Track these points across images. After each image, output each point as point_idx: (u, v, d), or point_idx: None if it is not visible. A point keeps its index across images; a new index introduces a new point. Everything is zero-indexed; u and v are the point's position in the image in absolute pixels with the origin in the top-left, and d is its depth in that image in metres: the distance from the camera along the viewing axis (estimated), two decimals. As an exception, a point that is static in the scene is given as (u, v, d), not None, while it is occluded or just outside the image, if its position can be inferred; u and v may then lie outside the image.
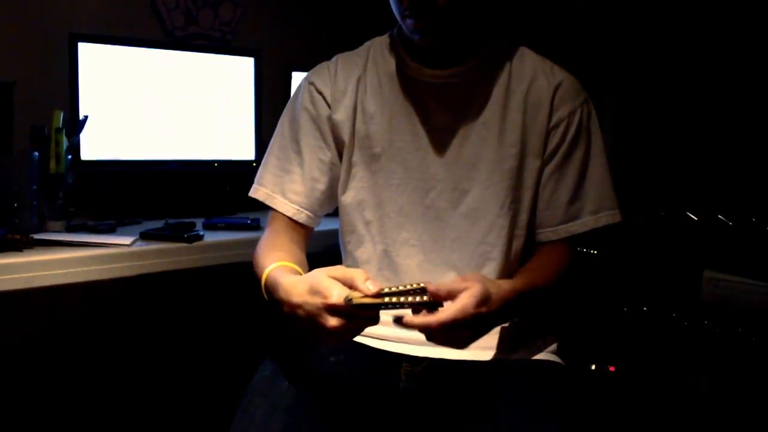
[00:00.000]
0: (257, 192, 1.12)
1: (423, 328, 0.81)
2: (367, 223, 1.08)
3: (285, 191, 1.10)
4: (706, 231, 1.56)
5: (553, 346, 1.08)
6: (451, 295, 0.82)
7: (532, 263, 1.06)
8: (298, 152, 1.10)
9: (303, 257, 1.06)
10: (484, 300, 0.83)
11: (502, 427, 0.89)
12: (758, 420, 1.32)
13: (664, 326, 1.53)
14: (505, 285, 0.91)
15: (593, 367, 1.55)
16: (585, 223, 1.05)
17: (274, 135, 1.14)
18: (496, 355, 1.02)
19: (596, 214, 1.05)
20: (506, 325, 1.06)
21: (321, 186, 1.09)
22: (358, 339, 1.05)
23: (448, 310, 0.81)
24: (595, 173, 1.06)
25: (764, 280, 1.39)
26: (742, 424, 1.34)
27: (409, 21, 0.97)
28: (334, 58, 1.13)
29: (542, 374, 1.00)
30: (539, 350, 1.05)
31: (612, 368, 1.55)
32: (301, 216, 1.09)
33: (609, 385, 1.54)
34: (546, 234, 1.07)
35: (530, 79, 1.04)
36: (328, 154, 1.09)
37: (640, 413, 1.47)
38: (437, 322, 0.80)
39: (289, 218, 1.09)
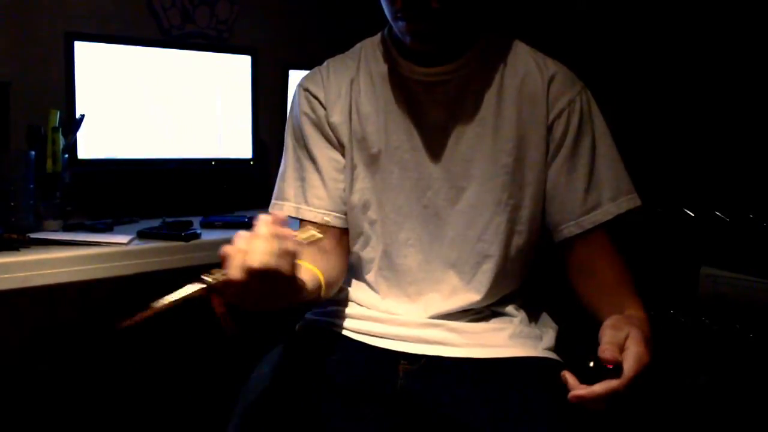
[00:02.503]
0: (283, 208, 1.09)
1: (609, 394, 0.76)
2: (371, 223, 1.08)
3: (308, 198, 1.08)
4: (704, 228, 1.56)
5: (552, 343, 1.08)
6: (621, 350, 0.80)
7: (607, 277, 1.02)
8: (311, 158, 1.09)
9: (328, 260, 1.03)
10: (647, 342, 0.82)
11: (500, 424, 0.89)
12: (757, 417, 1.32)
13: (662, 323, 1.53)
14: (639, 313, 0.94)
15: (591, 364, 1.55)
16: (608, 210, 1.02)
17: (284, 150, 1.13)
18: (493, 352, 1.02)
19: (616, 200, 1.02)
20: (504, 323, 1.06)
21: (341, 185, 1.08)
22: (355, 337, 1.05)
23: (630, 369, 0.77)
24: (606, 159, 1.04)
25: (762, 277, 1.39)
26: (741, 421, 1.34)
27: (401, 23, 0.97)
28: (325, 63, 1.12)
29: (540, 371, 1.00)
30: (537, 347, 1.05)
31: (610, 365, 1.55)
32: (329, 218, 1.08)
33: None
34: (570, 228, 1.03)
35: (524, 74, 1.04)
36: (339, 154, 1.08)
37: (639, 410, 1.47)
38: (625, 383, 0.76)
39: (318, 224, 1.07)
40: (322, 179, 1.08)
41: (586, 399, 0.76)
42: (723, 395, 1.37)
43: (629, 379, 0.76)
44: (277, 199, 1.11)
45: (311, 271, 0.93)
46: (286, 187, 1.10)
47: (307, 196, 1.08)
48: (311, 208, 1.08)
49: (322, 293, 0.95)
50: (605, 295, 1.01)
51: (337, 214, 1.08)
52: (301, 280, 0.84)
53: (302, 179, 1.09)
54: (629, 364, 0.77)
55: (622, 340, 0.81)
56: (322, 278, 0.94)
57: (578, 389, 0.76)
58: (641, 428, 1.45)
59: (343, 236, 1.10)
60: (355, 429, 0.93)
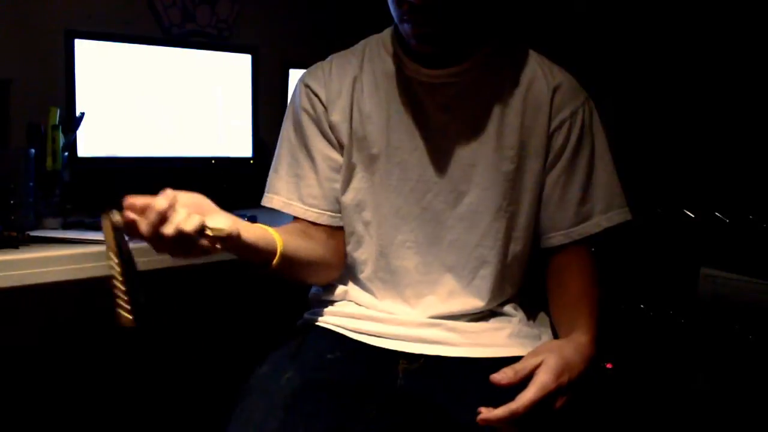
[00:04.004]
0: (272, 201, 1.09)
1: (511, 417, 0.80)
2: (365, 224, 1.07)
3: (303, 196, 1.08)
4: (704, 228, 1.56)
5: (550, 343, 1.08)
6: (523, 374, 0.84)
7: (573, 291, 1.04)
8: (308, 156, 1.09)
9: (307, 245, 1.03)
10: (562, 370, 0.85)
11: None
12: (756, 417, 1.32)
13: (662, 323, 1.53)
14: (583, 338, 0.95)
15: (590, 364, 1.55)
16: (597, 223, 1.04)
17: (279, 141, 1.13)
18: (492, 352, 1.02)
19: (607, 213, 1.04)
20: (503, 322, 1.06)
21: (337, 185, 1.08)
22: (354, 336, 1.05)
23: (528, 392, 0.82)
24: (603, 172, 1.05)
25: (761, 278, 1.39)
26: (739, 421, 1.34)
27: (407, 26, 0.97)
28: (329, 58, 1.12)
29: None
30: (536, 347, 1.04)
31: (609, 365, 1.55)
32: (323, 218, 1.08)
33: (606, 382, 1.54)
34: (558, 237, 1.05)
35: (529, 80, 1.04)
36: (337, 154, 1.08)
37: (638, 410, 1.48)
38: (522, 407, 0.80)
39: (310, 222, 1.08)
40: (318, 179, 1.08)
41: (491, 421, 0.80)
42: (722, 396, 1.38)
43: (525, 405, 0.80)
44: (268, 191, 1.11)
45: (269, 235, 0.94)
46: (277, 180, 1.10)
47: (302, 193, 1.08)
48: (304, 207, 1.08)
49: (275, 261, 0.94)
50: (565, 310, 1.04)
51: (332, 214, 1.08)
52: (248, 241, 0.89)
53: (297, 176, 1.09)
54: (527, 391, 0.82)
55: (531, 367, 0.85)
56: (279, 245, 0.94)
57: (485, 413, 0.81)
58: (641, 428, 1.45)
59: (335, 232, 1.10)
60: (355, 428, 0.92)
